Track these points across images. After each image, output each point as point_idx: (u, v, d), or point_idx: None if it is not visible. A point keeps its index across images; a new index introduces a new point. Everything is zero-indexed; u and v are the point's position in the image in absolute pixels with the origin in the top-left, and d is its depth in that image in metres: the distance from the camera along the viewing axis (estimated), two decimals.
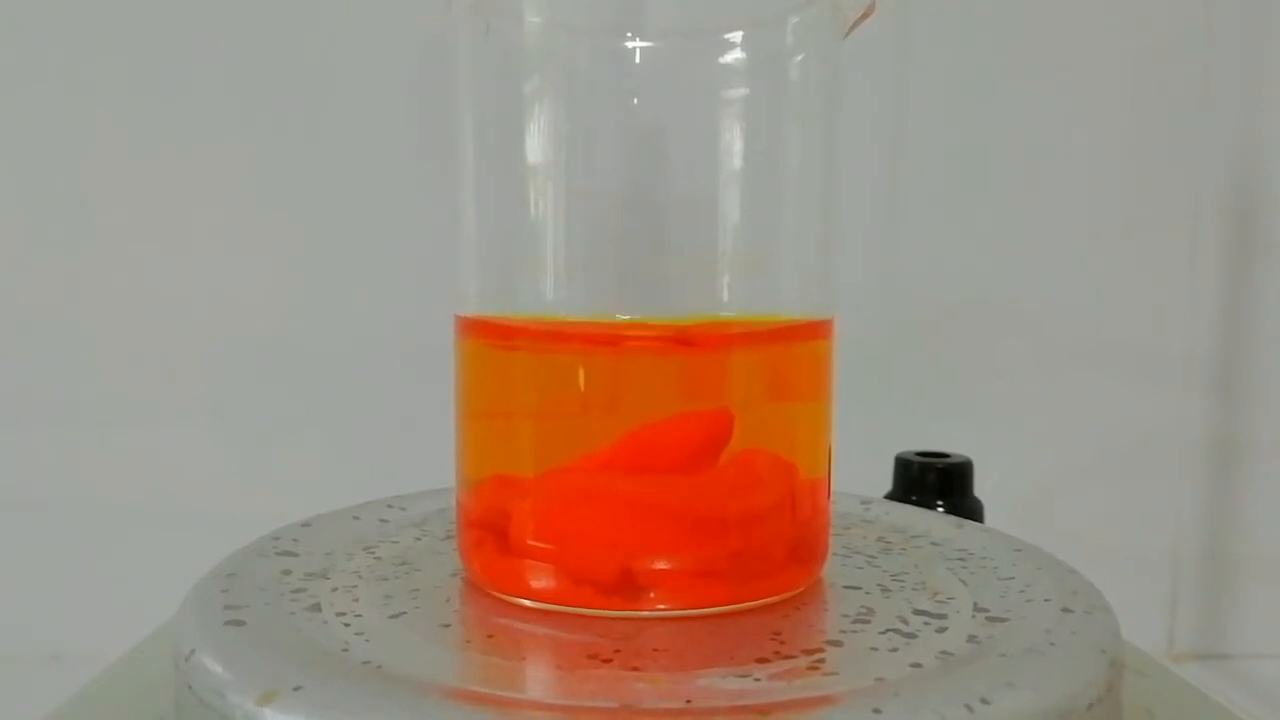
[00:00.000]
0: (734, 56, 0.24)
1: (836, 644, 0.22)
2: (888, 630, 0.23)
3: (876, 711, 0.18)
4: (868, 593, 0.25)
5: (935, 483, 0.37)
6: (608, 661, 0.21)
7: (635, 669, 0.20)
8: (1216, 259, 0.55)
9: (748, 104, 0.24)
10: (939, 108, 0.54)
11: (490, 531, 0.25)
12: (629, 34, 0.24)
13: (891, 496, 0.38)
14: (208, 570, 0.25)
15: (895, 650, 0.21)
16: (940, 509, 0.36)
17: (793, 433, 0.25)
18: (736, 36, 0.24)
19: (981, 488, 0.38)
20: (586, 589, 0.24)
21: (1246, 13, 0.55)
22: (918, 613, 0.24)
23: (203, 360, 0.53)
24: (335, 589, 0.25)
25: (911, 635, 0.22)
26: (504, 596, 0.24)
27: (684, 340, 0.24)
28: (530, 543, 0.24)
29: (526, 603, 0.24)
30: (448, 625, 0.23)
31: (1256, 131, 0.55)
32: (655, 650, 0.21)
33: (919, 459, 0.38)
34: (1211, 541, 0.57)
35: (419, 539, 0.29)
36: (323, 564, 0.27)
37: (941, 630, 0.23)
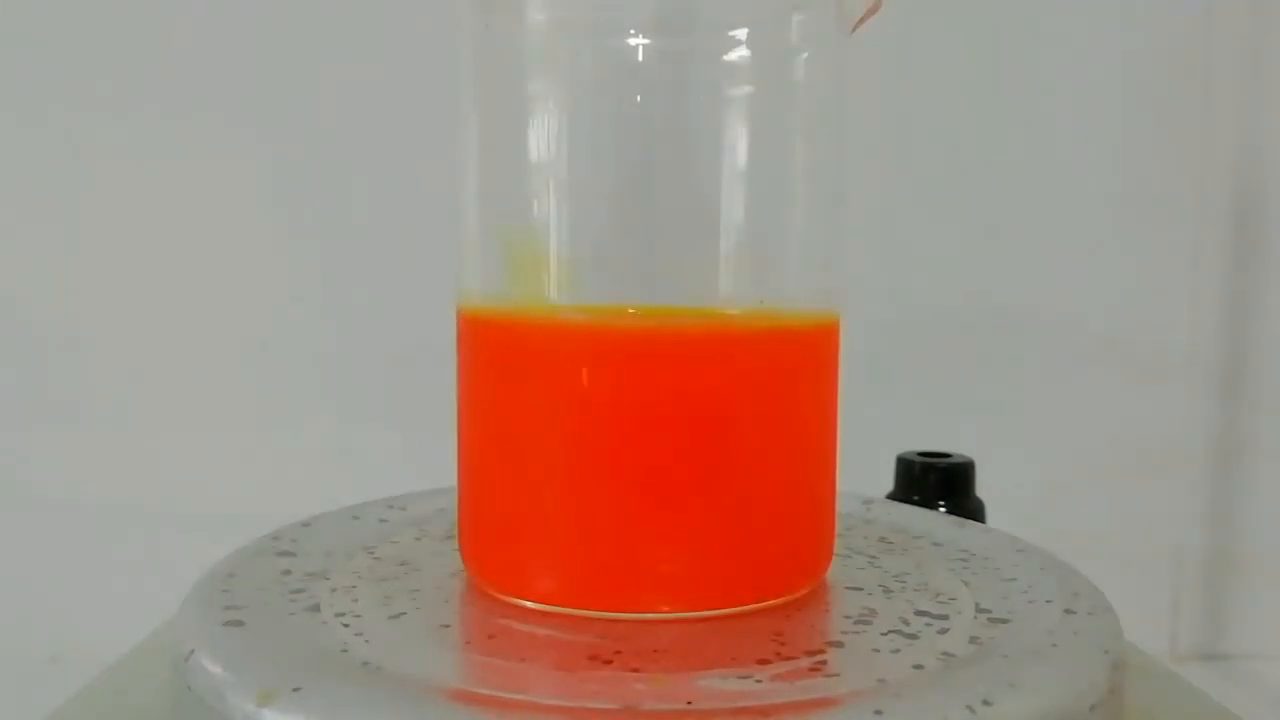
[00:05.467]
0: (738, 54, 0.24)
1: (838, 645, 0.22)
2: (889, 631, 0.23)
3: (878, 713, 0.18)
4: (869, 593, 0.25)
5: (937, 483, 0.37)
6: (608, 663, 0.21)
7: (636, 670, 0.20)
8: (1219, 259, 0.55)
9: (752, 101, 0.24)
10: (940, 107, 0.54)
11: (491, 531, 0.25)
12: (632, 31, 0.23)
13: (893, 496, 0.38)
14: (208, 570, 0.25)
15: (897, 651, 0.21)
16: (942, 509, 0.36)
17: (797, 432, 0.25)
18: (741, 34, 0.24)
19: (983, 488, 0.38)
20: (587, 590, 0.24)
21: (1247, 13, 0.54)
22: (919, 614, 0.24)
23: (203, 360, 0.53)
24: (335, 589, 0.25)
25: (913, 636, 0.22)
26: (504, 597, 0.24)
27: (687, 338, 0.24)
28: (531, 543, 0.24)
29: (527, 603, 0.24)
30: (448, 625, 0.23)
31: (1259, 131, 0.55)
32: (656, 651, 0.21)
33: (921, 459, 0.38)
34: (1214, 542, 0.57)
35: (419, 539, 0.29)
36: (322, 564, 0.26)
37: (943, 631, 0.22)
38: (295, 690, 0.18)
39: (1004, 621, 0.23)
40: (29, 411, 0.53)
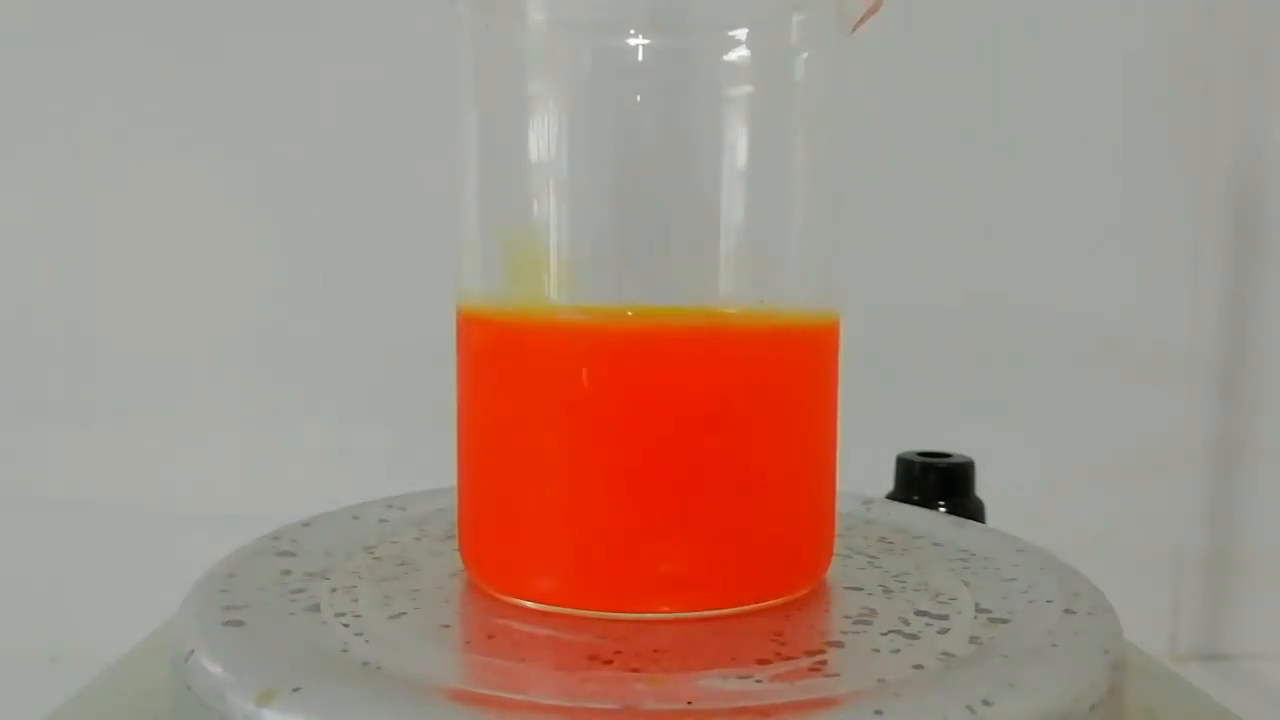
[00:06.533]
0: (738, 54, 0.24)
1: (838, 645, 0.22)
2: (889, 631, 0.23)
3: (878, 713, 0.18)
4: (869, 593, 0.25)
5: (937, 483, 0.37)
6: (608, 663, 0.21)
7: (636, 670, 0.20)
8: (1219, 259, 0.55)
9: (752, 101, 0.24)
10: (940, 106, 0.54)
11: (491, 531, 0.25)
12: (632, 31, 0.23)
13: (893, 496, 0.38)
14: (208, 570, 0.25)
15: (897, 651, 0.21)
16: (942, 509, 0.36)
17: (797, 432, 0.25)
18: (741, 34, 0.24)
19: (983, 488, 0.38)
20: (587, 590, 0.24)
21: (1247, 13, 0.54)
22: (919, 614, 0.24)
23: (203, 360, 0.53)
24: (335, 589, 0.25)
25: (913, 636, 0.22)
26: (504, 597, 0.24)
27: (687, 338, 0.24)
28: (531, 543, 0.24)
29: (527, 603, 0.24)
30: (448, 625, 0.23)
31: (1259, 131, 0.55)
32: (656, 651, 0.21)
33: (920, 459, 0.38)
34: (1214, 542, 0.57)
35: (419, 539, 0.29)
36: (322, 564, 0.26)
37: (943, 631, 0.22)
38: (295, 690, 0.18)
39: (1004, 621, 0.23)
40: (30, 411, 0.53)
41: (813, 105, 0.26)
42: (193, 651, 0.20)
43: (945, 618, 0.23)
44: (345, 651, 0.21)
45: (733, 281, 0.25)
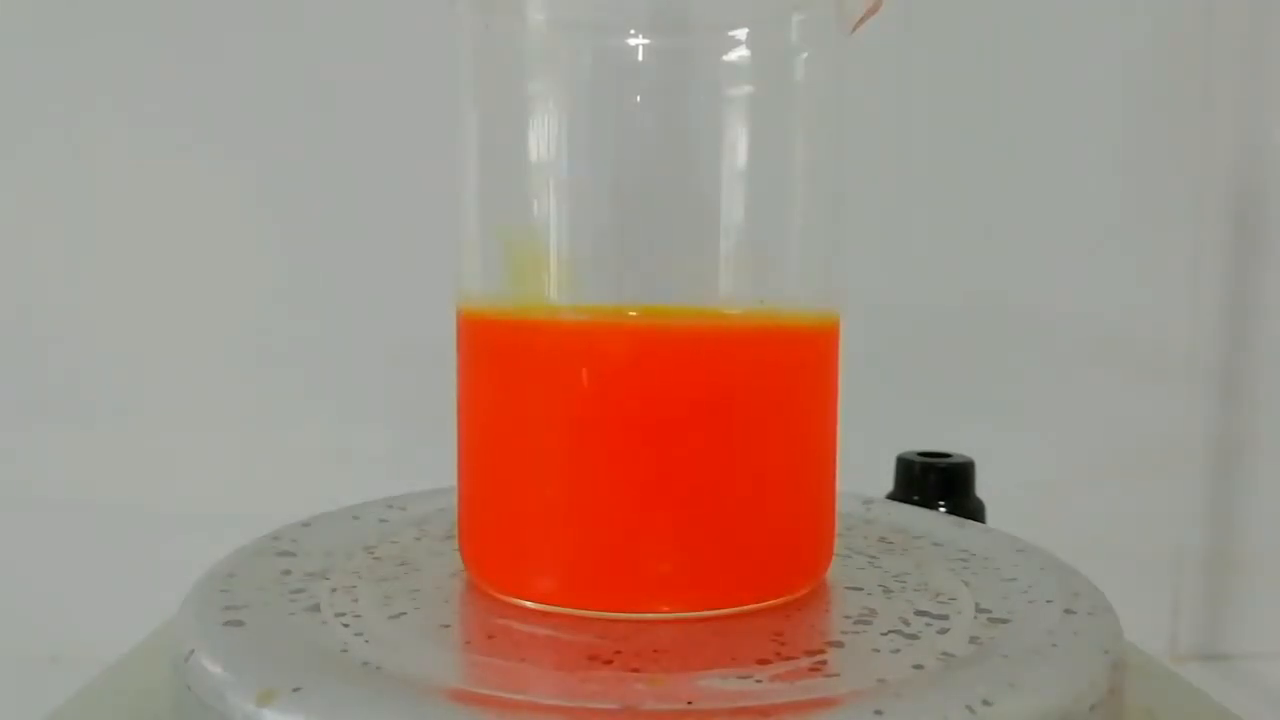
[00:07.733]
0: (738, 54, 0.24)
1: (838, 645, 0.22)
2: (889, 631, 0.23)
3: (878, 713, 0.18)
4: (869, 594, 0.25)
5: (937, 483, 0.37)
6: (608, 663, 0.21)
7: (636, 670, 0.20)
8: (1219, 259, 0.55)
9: (752, 101, 0.24)
10: (940, 106, 0.54)
11: (491, 531, 0.25)
12: (632, 31, 0.23)
13: (893, 496, 0.38)
14: (208, 570, 0.25)
15: (897, 651, 0.21)
16: (942, 509, 0.36)
17: (797, 432, 0.25)
18: (741, 34, 0.24)
19: (983, 488, 0.38)
20: (587, 590, 0.24)
21: (1247, 13, 0.54)
22: (919, 614, 0.24)
23: (203, 360, 0.53)
24: (335, 589, 0.25)
25: (913, 636, 0.22)
26: (504, 597, 0.24)
27: (687, 338, 0.24)
28: (531, 543, 0.24)
29: (527, 603, 0.24)
30: (448, 625, 0.23)
31: (1259, 131, 0.55)
32: (656, 651, 0.21)
33: (921, 459, 0.38)
34: (1214, 542, 0.57)
35: (419, 539, 0.29)
36: (322, 564, 0.26)
37: (943, 631, 0.22)
38: (295, 690, 0.18)
39: (1004, 621, 0.23)
40: (30, 411, 0.53)
41: (813, 105, 0.26)
42: (193, 651, 0.20)
43: (945, 618, 0.23)
44: (345, 651, 0.21)
45: (733, 281, 0.24)
